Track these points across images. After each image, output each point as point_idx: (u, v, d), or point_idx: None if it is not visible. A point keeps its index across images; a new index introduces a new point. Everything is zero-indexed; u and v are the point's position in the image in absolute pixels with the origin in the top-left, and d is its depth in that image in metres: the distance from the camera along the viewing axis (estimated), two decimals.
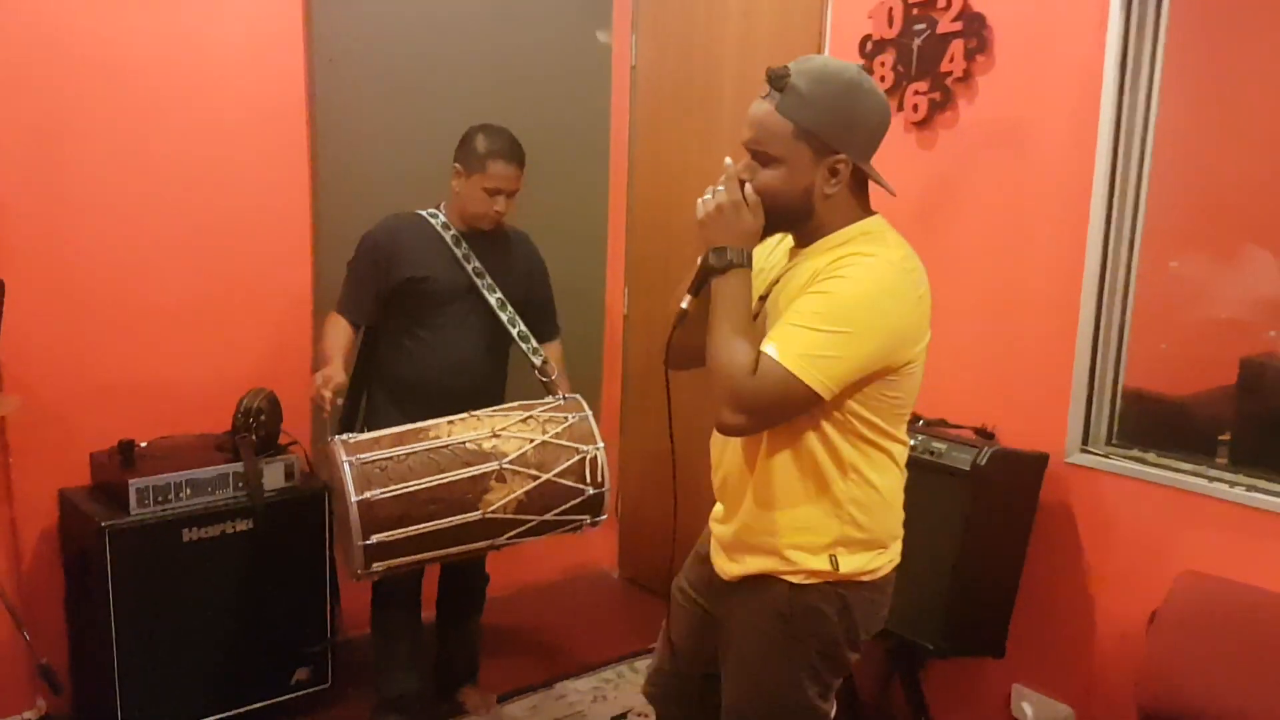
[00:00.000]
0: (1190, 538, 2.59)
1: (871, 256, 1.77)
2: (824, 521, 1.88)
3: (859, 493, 1.87)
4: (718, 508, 2.07)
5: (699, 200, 1.84)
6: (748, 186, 1.81)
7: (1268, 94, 2.62)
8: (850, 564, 1.89)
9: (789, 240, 1.95)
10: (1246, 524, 2.49)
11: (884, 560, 1.95)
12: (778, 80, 1.77)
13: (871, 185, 1.89)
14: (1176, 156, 2.71)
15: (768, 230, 1.87)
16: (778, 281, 1.91)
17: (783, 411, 1.78)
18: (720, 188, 1.81)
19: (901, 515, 2.00)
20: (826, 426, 1.83)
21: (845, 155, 1.79)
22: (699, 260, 1.85)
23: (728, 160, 1.83)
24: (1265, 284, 2.67)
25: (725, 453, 2.00)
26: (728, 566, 2.02)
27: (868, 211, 1.88)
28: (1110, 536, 2.76)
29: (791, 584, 1.91)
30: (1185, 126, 2.71)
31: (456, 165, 2.96)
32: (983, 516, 2.71)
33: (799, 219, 1.85)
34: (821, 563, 1.89)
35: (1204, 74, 2.72)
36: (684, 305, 1.89)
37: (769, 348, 1.73)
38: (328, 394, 2.72)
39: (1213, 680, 2.33)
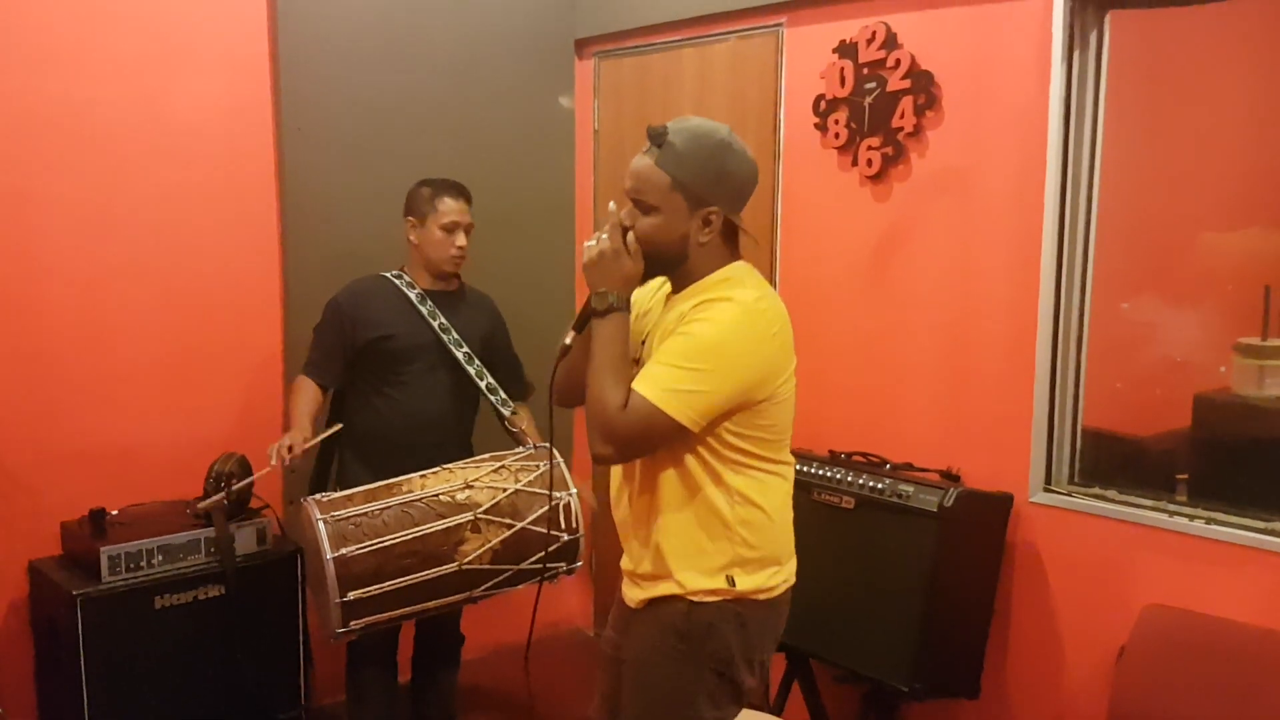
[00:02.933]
0: (1154, 572, 2.64)
1: (728, 300, 1.93)
2: (716, 544, 1.99)
3: (746, 514, 1.99)
4: (622, 520, 2.16)
5: (585, 244, 1.98)
6: (630, 234, 1.95)
7: (1205, 137, 2.74)
8: (746, 582, 2.01)
9: (668, 287, 2.08)
10: (1207, 556, 2.55)
11: (779, 579, 2.06)
12: (657, 137, 1.93)
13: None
14: (1122, 200, 2.81)
15: (647, 274, 2.01)
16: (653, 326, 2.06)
17: (648, 442, 1.93)
18: (604, 235, 1.95)
19: (791, 534, 2.12)
20: (708, 456, 1.97)
21: (717, 207, 1.94)
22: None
23: (611, 205, 1.99)
24: (1210, 326, 2.76)
25: (621, 488, 2.13)
26: (632, 593, 2.12)
27: (736, 258, 2.04)
28: (1076, 573, 2.81)
29: (691, 602, 2.01)
30: (1129, 171, 2.82)
31: (409, 219, 3.06)
32: (951, 557, 2.75)
33: (674, 264, 2.00)
34: (718, 582, 2.00)
35: (1144, 120, 2.83)
36: (567, 341, 2.03)
37: (637, 384, 1.89)
38: (285, 445, 2.76)
39: (1183, 712, 2.37)
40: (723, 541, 1.99)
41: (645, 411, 1.86)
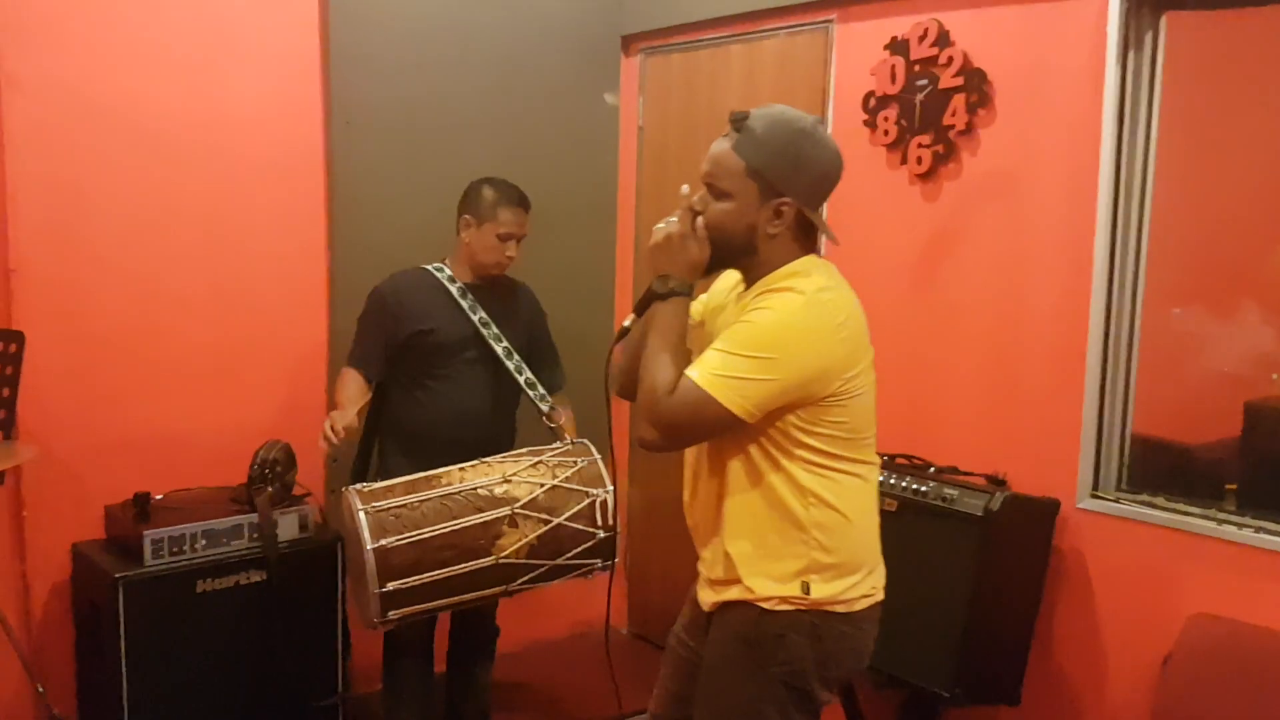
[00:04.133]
0: (1201, 580, 2.59)
1: (791, 290, 1.87)
2: (790, 548, 1.92)
3: (821, 516, 1.91)
4: (695, 524, 2.10)
5: (654, 227, 1.94)
6: (699, 220, 1.91)
7: (1263, 142, 2.69)
8: (823, 590, 1.92)
9: (741, 284, 2.02)
10: (1256, 566, 2.50)
11: (860, 591, 1.96)
12: (737, 121, 1.89)
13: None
14: (1176, 205, 2.77)
15: (715, 265, 1.97)
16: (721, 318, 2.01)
17: (695, 428, 1.87)
18: (674, 218, 1.92)
19: (876, 540, 2.03)
20: (777, 454, 1.90)
21: (790, 198, 1.88)
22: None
23: (684, 189, 1.95)
24: (1264, 335, 2.71)
25: (695, 488, 2.07)
26: (706, 596, 2.06)
27: (809, 253, 1.97)
28: (1122, 581, 2.76)
29: (761, 609, 1.94)
30: (1183, 176, 2.77)
31: (466, 216, 3.03)
32: (995, 562, 2.71)
33: (741, 254, 1.94)
34: (793, 589, 1.92)
35: (1200, 124, 2.78)
36: (626, 323, 2.00)
37: (690, 369, 1.84)
38: (339, 428, 2.76)
39: None
40: (797, 545, 1.91)
41: (693, 396, 1.80)
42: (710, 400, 1.80)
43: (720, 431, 1.87)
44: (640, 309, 1.97)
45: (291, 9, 3.35)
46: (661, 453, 1.95)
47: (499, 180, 3.06)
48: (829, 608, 1.93)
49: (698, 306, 2.12)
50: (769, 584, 1.93)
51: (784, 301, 1.85)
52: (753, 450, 1.91)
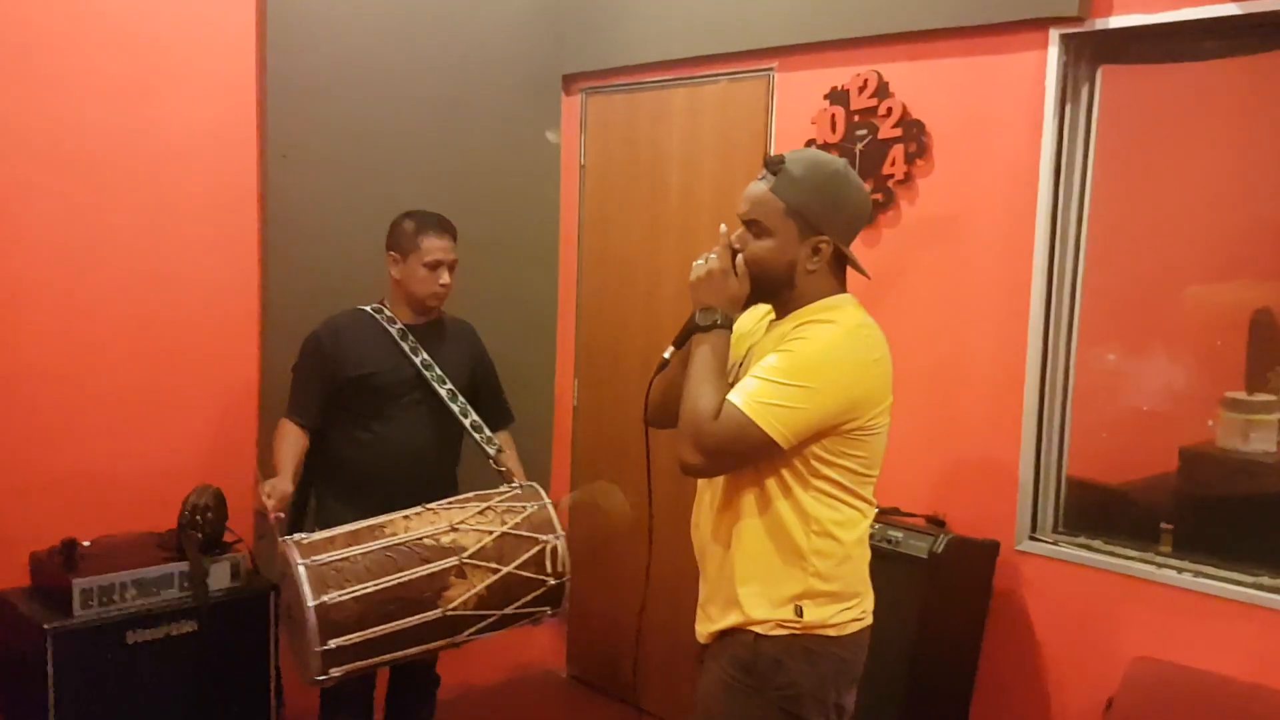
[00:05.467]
0: (1140, 623, 2.65)
1: (830, 323, 1.95)
2: (788, 572, 1.96)
3: (822, 544, 1.96)
4: (700, 565, 2.13)
5: (694, 263, 2.01)
6: (739, 256, 1.98)
7: (1193, 191, 2.78)
8: (816, 614, 1.97)
9: (771, 315, 2.09)
10: (1194, 609, 2.56)
11: (851, 616, 2.01)
12: (774, 165, 1.97)
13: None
14: (1109, 252, 2.84)
15: (753, 299, 2.04)
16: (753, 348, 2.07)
17: (738, 455, 1.92)
18: (713, 254, 1.99)
19: (866, 572, 2.08)
20: (791, 481, 1.95)
21: (828, 236, 1.96)
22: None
23: (723, 227, 2.02)
24: (1193, 373, 2.79)
25: (700, 512, 2.11)
26: (702, 627, 2.09)
27: (842, 289, 2.05)
28: (1063, 623, 2.81)
29: (756, 634, 1.98)
30: (1117, 223, 2.85)
31: (392, 254, 2.99)
32: (939, 604, 2.74)
33: (780, 289, 2.02)
34: (786, 613, 1.96)
35: (1133, 173, 2.87)
36: (666, 355, 2.07)
37: (732, 395, 1.89)
38: (270, 504, 2.69)
39: None
40: (795, 569, 1.96)
41: (737, 422, 1.86)
42: (752, 425, 1.86)
43: (760, 457, 1.92)
44: (680, 341, 2.04)
45: (227, 37, 3.28)
46: (703, 477, 2.04)
47: (418, 211, 3.02)
48: (821, 631, 1.97)
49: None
50: (765, 607, 1.97)
51: (825, 332, 1.93)
52: (769, 477, 1.95)
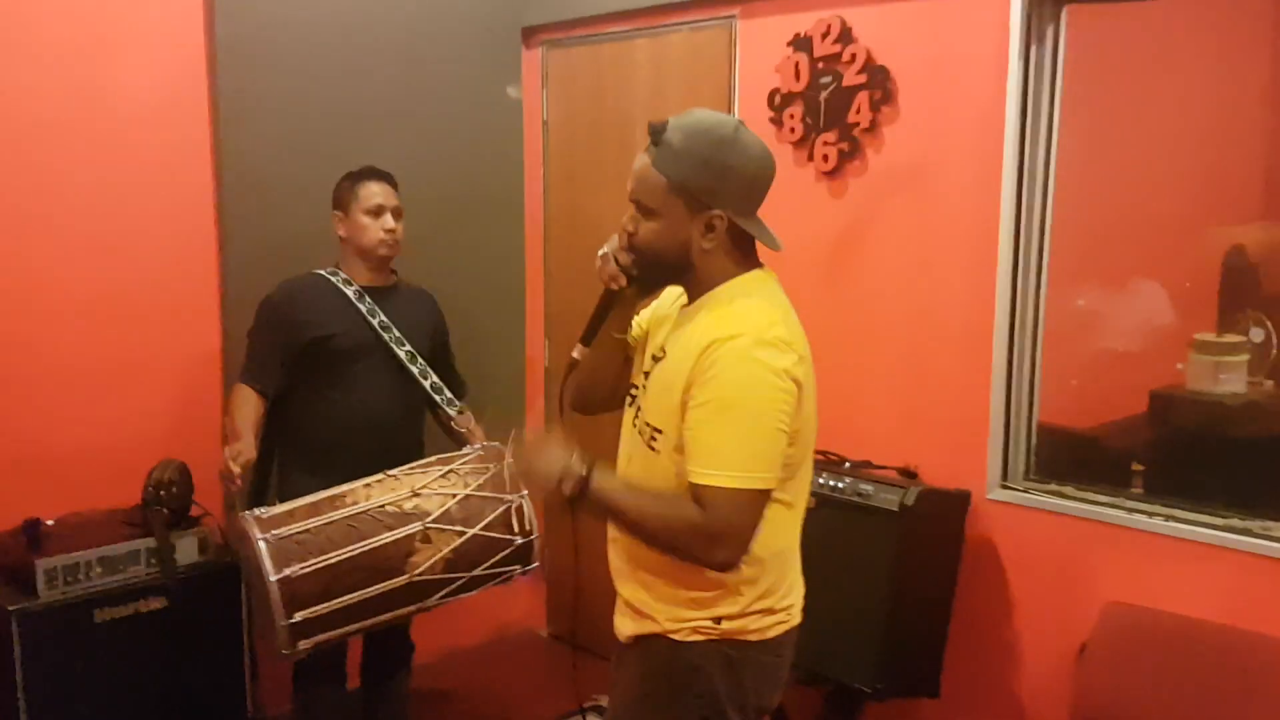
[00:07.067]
0: (1113, 568, 2.65)
1: (735, 337, 1.74)
2: (702, 581, 1.83)
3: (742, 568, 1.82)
4: (612, 564, 2.02)
5: (599, 251, 1.92)
6: (609, 247, 1.89)
7: (1160, 130, 2.75)
8: (735, 623, 1.85)
9: (684, 299, 1.93)
10: (1166, 553, 2.56)
11: (774, 620, 1.89)
12: (655, 134, 1.79)
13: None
14: (1077, 194, 2.81)
15: (654, 284, 1.92)
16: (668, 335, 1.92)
17: (751, 522, 1.75)
18: (605, 249, 1.89)
19: (794, 567, 1.96)
20: None
21: (720, 210, 1.79)
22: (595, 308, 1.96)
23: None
24: (1163, 316, 2.78)
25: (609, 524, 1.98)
26: (621, 625, 1.99)
27: (751, 265, 1.88)
28: (1035, 570, 2.81)
29: (674, 642, 1.87)
30: (1084, 165, 2.82)
31: (336, 213, 2.98)
32: (911, 555, 2.73)
33: (679, 272, 1.87)
34: (704, 620, 1.85)
35: (1100, 114, 2.83)
36: (575, 355, 1.96)
37: (694, 477, 1.72)
38: (236, 469, 2.64)
39: (1145, 709, 2.38)
40: (710, 582, 1.82)
41: (725, 497, 1.70)
42: (737, 492, 1.71)
43: (762, 510, 1.77)
44: (587, 339, 1.95)
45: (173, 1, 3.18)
46: (738, 561, 1.78)
47: (356, 169, 3.00)
48: (742, 636, 1.86)
49: (641, 321, 2.04)
50: (679, 611, 1.86)
51: (733, 355, 1.73)
52: (677, 479, 1.81)
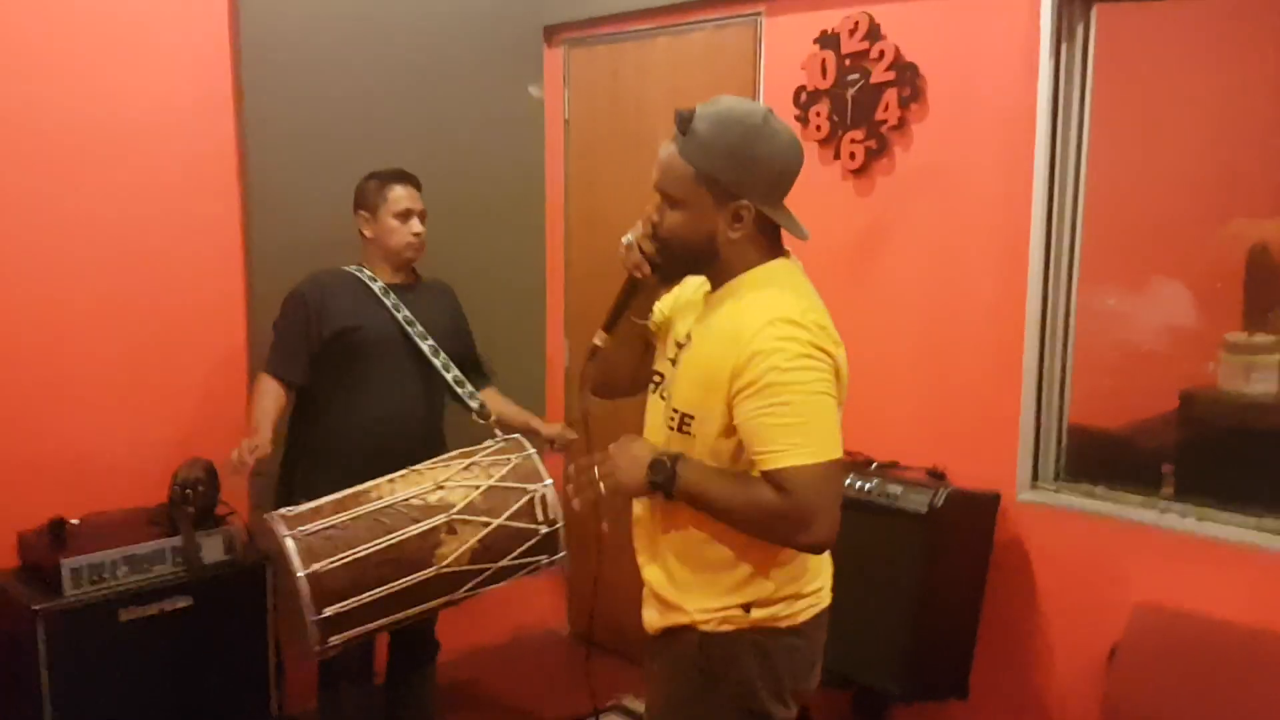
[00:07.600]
0: (1144, 570, 2.63)
1: (771, 324, 1.74)
2: (732, 574, 1.84)
3: (769, 549, 1.83)
4: (636, 544, 2.02)
5: (622, 239, 1.91)
6: (634, 235, 1.88)
7: (1192, 130, 2.72)
8: (765, 610, 1.85)
9: (707, 287, 1.92)
10: (1197, 554, 2.54)
11: (804, 604, 1.89)
12: (682, 123, 1.78)
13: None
14: (1108, 194, 2.79)
15: (679, 273, 1.91)
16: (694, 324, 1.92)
17: (836, 492, 1.74)
18: (629, 236, 1.88)
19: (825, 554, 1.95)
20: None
21: (747, 200, 1.78)
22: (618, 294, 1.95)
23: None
24: (1192, 315, 2.75)
25: (646, 509, 1.97)
26: (649, 618, 1.98)
27: (777, 253, 1.88)
28: (1066, 572, 2.79)
29: (704, 633, 1.87)
30: (1115, 165, 2.79)
31: (361, 213, 2.99)
32: (940, 557, 2.71)
33: (705, 262, 1.86)
34: (734, 608, 1.85)
35: (1131, 113, 2.80)
36: (597, 342, 1.97)
37: (774, 465, 1.70)
38: (250, 460, 2.65)
39: (1176, 714, 2.35)
40: (740, 570, 1.84)
41: (808, 477, 1.68)
42: (821, 467, 1.69)
43: (843, 482, 1.79)
44: (609, 326, 1.95)
45: (199, 5, 3.18)
46: (831, 541, 1.76)
47: (381, 169, 3.01)
48: (772, 624, 1.86)
49: (662, 308, 2.04)
50: (708, 600, 1.86)
51: (773, 339, 1.72)
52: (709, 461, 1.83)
